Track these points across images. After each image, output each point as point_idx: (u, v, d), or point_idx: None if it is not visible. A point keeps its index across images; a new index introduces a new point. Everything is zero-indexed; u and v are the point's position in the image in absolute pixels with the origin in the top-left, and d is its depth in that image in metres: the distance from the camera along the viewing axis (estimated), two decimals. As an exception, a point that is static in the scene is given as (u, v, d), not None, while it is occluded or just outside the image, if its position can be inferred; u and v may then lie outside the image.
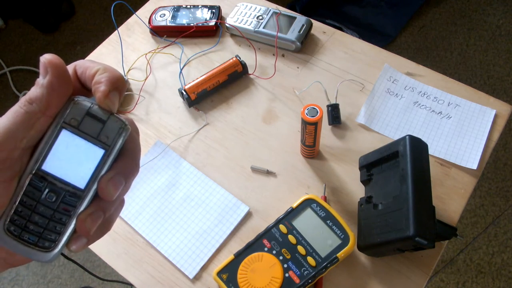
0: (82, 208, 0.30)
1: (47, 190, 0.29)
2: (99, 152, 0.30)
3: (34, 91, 0.28)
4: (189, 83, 0.63)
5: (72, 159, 0.29)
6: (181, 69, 0.68)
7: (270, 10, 0.70)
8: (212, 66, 0.67)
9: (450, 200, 0.53)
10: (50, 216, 0.30)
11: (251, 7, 0.71)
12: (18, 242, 0.30)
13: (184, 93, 0.62)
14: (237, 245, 0.53)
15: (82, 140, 0.29)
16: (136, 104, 0.66)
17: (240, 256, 0.50)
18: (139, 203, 0.57)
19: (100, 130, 0.29)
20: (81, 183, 0.30)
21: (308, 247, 0.49)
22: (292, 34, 0.66)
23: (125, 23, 0.75)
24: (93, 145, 0.29)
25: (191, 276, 0.51)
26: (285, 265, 0.48)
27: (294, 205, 0.52)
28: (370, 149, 0.53)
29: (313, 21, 0.69)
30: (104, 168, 0.30)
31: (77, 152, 0.29)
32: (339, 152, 0.58)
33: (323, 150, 0.59)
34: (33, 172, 0.29)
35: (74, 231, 0.31)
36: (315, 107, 0.50)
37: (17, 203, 0.29)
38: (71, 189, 0.30)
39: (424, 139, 0.54)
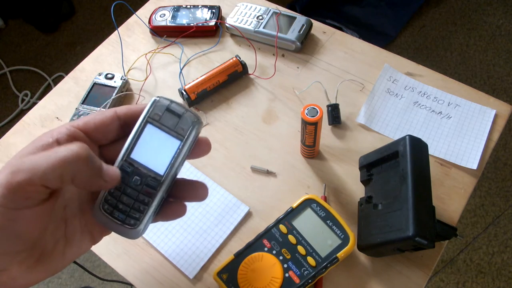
0: (161, 192, 0.35)
1: (133, 174, 0.35)
2: (175, 143, 0.34)
3: (89, 172, 0.31)
4: (189, 83, 0.63)
5: (154, 149, 0.35)
6: (181, 69, 0.68)
7: (270, 10, 0.70)
8: (212, 66, 0.67)
9: (450, 200, 0.53)
10: (136, 197, 0.35)
11: (251, 7, 0.71)
12: (110, 220, 0.35)
13: (184, 93, 0.62)
14: (237, 245, 0.53)
15: (162, 132, 0.34)
16: (136, 104, 0.66)
17: (240, 256, 0.50)
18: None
19: (176, 123, 0.34)
20: (160, 170, 0.35)
21: (308, 247, 0.49)
22: (292, 34, 0.66)
23: (125, 23, 0.76)
24: (171, 137, 0.34)
25: (191, 276, 0.51)
26: (285, 265, 0.48)
27: (294, 205, 0.52)
28: (370, 149, 0.53)
29: (313, 21, 0.69)
30: (180, 157, 0.35)
31: (158, 142, 0.35)
32: (339, 152, 0.58)
33: (323, 150, 0.59)
34: (124, 159, 0.35)
35: (155, 212, 0.36)
36: (315, 107, 0.50)
37: None
38: (153, 174, 0.34)
39: (424, 139, 0.54)
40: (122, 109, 0.36)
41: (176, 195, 0.37)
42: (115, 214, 0.35)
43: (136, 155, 0.35)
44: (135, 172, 0.34)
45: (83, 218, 0.35)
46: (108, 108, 0.63)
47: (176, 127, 0.34)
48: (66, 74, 0.72)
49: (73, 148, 0.30)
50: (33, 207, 0.29)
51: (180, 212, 0.37)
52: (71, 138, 0.33)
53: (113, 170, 0.33)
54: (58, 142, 0.32)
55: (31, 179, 0.28)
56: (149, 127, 0.34)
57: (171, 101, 0.35)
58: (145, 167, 0.34)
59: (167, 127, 0.34)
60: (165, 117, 0.34)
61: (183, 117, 0.34)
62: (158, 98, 0.35)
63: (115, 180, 0.33)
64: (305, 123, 0.51)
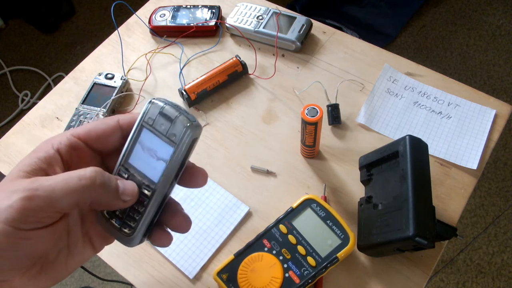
0: (154, 201, 0.33)
1: (129, 180, 0.33)
2: (168, 150, 0.32)
3: (106, 196, 0.31)
4: (189, 83, 0.63)
5: (149, 155, 0.33)
6: (181, 69, 0.68)
7: (270, 10, 0.70)
8: (212, 66, 0.67)
9: (450, 200, 0.53)
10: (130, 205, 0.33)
11: (251, 7, 0.71)
12: (109, 224, 0.34)
13: (184, 93, 0.62)
14: (237, 245, 0.53)
15: (155, 137, 0.32)
16: (136, 104, 0.66)
17: (240, 256, 0.50)
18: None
19: (168, 129, 0.32)
20: (155, 177, 0.32)
21: (308, 247, 0.49)
22: (292, 34, 0.66)
23: (125, 23, 0.76)
24: (164, 143, 0.32)
25: (191, 276, 0.51)
26: (285, 265, 0.48)
27: (294, 205, 0.52)
28: (370, 149, 0.53)
29: (313, 21, 0.69)
30: (174, 164, 0.32)
31: (152, 148, 0.32)
32: (339, 152, 0.58)
33: (323, 150, 0.59)
34: (121, 164, 0.33)
35: (151, 223, 0.34)
36: (315, 107, 0.50)
37: None
38: (147, 181, 0.33)
39: (424, 139, 0.54)
40: (125, 119, 0.35)
41: (161, 220, 0.36)
42: (113, 220, 0.34)
43: (133, 160, 0.33)
44: (131, 178, 0.33)
45: (84, 227, 0.35)
46: (108, 108, 0.63)
47: (168, 133, 0.32)
48: (66, 74, 0.72)
49: (88, 175, 0.29)
50: (44, 228, 0.29)
51: (164, 241, 0.36)
52: (71, 149, 0.33)
53: (130, 188, 0.32)
54: (60, 153, 0.32)
55: (47, 207, 0.28)
56: (144, 132, 0.33)
57: (165, 103, 0.32)
58: (140, 173, 0.33)
59: (160, 132, 0.32)
60: (157, 121, 0.32)
61: (175, 121, 0.31)
62: (153, 100, 0.33)
63: (133, 197, 0.32)
64: (305, 123, 0.51)
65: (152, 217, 0.34)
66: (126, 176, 0.33)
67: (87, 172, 0.30)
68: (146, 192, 0.33)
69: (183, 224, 0.36)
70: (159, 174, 0.32)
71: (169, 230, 0.36)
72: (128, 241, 0.34)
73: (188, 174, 0.35)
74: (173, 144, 0.31)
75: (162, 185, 0.32)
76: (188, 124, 0.31)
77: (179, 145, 0.31)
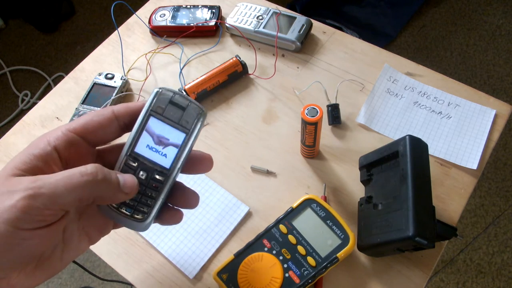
0: (168, 185, 0.35)
1: (139, 169, 0.34)
2: (180, 136, 0.34)
3: (108, 190, 0.32)
4: (189, 83, 0.63)
5: (158, 142, 0.34)
6: (181, 69, 0.68)
7: (270, 10, 0.70)
8: (212, 66, 0.67)
9: (450, 200, 0.53)
10: (143, 191, 0.35)
11: (251, 7, 0.71)
12: (117, 214, 0.35)
13: (184, 93, 0.62)
14: (237, 245, 0.53)
15: (166, 125, 0.34)
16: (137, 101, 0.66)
17: (240, 256, 0.50)
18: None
19: (181, 116, 0.34)
20: (166, 164, 0.34)
21: (308, 247, 0.49)
22: (292, 34, 0.66)
23: (125, 23, 0.76)
24: (176, 130, 0.34)
25: (191, 276, 0.51)
26: (285, 265, 0.48)
27: (294, 205, 0.52)
28: (370, 149, 0.53)
29: (313, 21, 0.69)
30: (185, 149, 0.34)
31: (163, 135, 0.34)
32: (339, 152, 0.58)
33: (323, 150, 0.59)
34: (128, 153, 0.34)
35: (163, 205, 0.36)
36: (315, 107, 0.50)
37: None
38: (159, 168, 0.34)
39: (424, 139, 0.54)
40: (120, 109, 0.35)
41: (169, 200, 0.37)
42: (122, 209, 0.35)
43: (140, 149, 0.34)
44: (140, 167, 0.34)
45: (80, 222, 0.35)
46: (108, 108, 0.63)
47: (181, 120, 0.34)
48: (66, 74, 0.72)
49: (89, 171, 0.30)
50: (46, 227, 0.29)
51: (176, 218, 0.37)
52: (69, 145, 0.32)
53: (130, 181, 0.33)
54: (57, 151, 0.32)
55: (52, 205, 0.28)
56: (152, 120, 0.34)
57: (174, 93, 0.34)
58: (150, 161, 0.34)
59: (172, 120, 0.34)
60: (168, 110, 0.34)
61: (187, 109, 0.34)
62: (160, 90, 0.34)
63: (134, 190, 0.33)
64: (305, 123, 0.51)
65: (164, 199, 0.35)
66: (135, 165, 0.34)
67: (88, 168, 0.30)
68: (158, 177, 0.34)
69: (193, 199, 0.37)
70: (171, 160, 0.34)
71: (177, 207, 0.38)
72: (141, 226, 0.35)
73: (194, 160, 0.36)
74: (186, 130, 0.34)
75: (175, 170, 0.34)
76: (200, 112, 0.34)
77: (193, 131, 0.34)
